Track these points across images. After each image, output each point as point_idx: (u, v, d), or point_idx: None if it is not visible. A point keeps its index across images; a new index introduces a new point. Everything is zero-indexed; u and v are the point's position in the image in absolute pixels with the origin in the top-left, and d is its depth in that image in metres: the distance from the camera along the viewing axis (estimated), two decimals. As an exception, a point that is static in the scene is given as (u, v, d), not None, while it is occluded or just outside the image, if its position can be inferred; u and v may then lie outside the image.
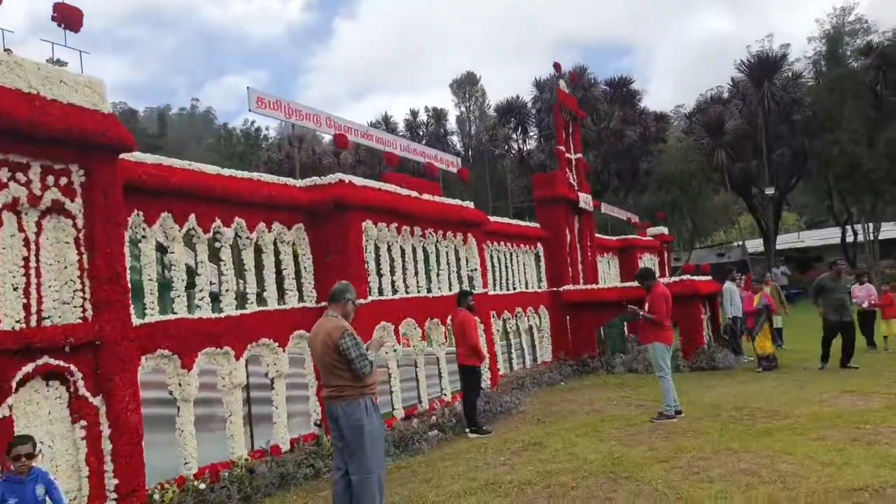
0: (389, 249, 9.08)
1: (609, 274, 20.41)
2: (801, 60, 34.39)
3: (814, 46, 35.79)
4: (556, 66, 16.05)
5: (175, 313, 6.57)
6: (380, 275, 8.73)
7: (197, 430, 6.78)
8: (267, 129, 57.41)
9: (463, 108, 43.19)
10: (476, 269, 11.16)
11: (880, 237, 32.24)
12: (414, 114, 38.80)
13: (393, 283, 9.06)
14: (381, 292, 8.67)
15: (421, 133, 39.20)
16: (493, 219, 12.94)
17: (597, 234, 20.89)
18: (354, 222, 8.19)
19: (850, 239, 37.32)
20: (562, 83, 16.17)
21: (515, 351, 13.60)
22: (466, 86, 43.45)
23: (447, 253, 10.55)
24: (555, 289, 15.19)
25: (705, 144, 32.78)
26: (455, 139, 40.92)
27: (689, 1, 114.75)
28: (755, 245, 42.15)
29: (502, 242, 13.48)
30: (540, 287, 15.06)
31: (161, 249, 7.54)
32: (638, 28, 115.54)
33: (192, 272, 7.29)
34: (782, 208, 40.57)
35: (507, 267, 13.82)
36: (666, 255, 26.99)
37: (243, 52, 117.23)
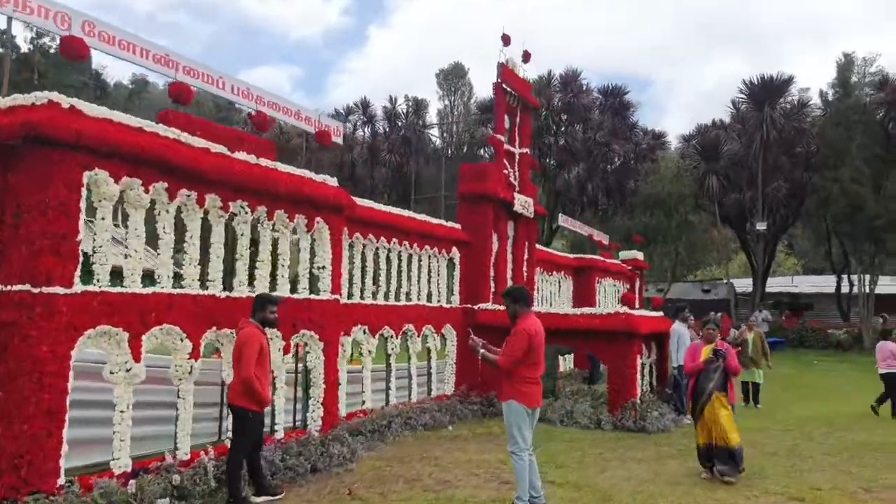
0: (154, 219, 6.25)
1: (558, 296, 17.58)
2: (814, 101, 31.48)
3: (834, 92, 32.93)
4: (505, 38, 13.21)
5: None
6: (125, 255, 5.90)
7: None
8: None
9: (447, 102, 40.16)
10: (324, 267, 8.31)
11: (878, 291, 29.33)
12: (393, 101, 35.78)
13: (153, 271, 6.23)
14: (118, 281, 5.83)
15: (400, 124, 36.30)
16: (376, 206, 10.11)
17: (550, 250, 18.14)
18: (65, 168, 5.36)
19: (845, 289, 34.47)
20: (508, 59, 13.32)
21: (398, 379, 10.74)
22: (453, 78, 40.28)
23: (277, 239, 7.73)
24: (469, 306, 12.36)
25: (697, 168, 29.88)
26: (436, 133, 37.87)
27: (711, 44, 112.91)
28: (745, 285, 39.29)
29: (396, 239, 10.64)
30: (450, 302, 12.23)
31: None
32: (659, 65, 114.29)
33: None
34: (776, 247, 37.65)
35: (401, 271, 10.99)
36: (639, 282, 24.17)
37: (280, 48, 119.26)
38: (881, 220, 26.29)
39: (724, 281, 38.30)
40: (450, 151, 35.00)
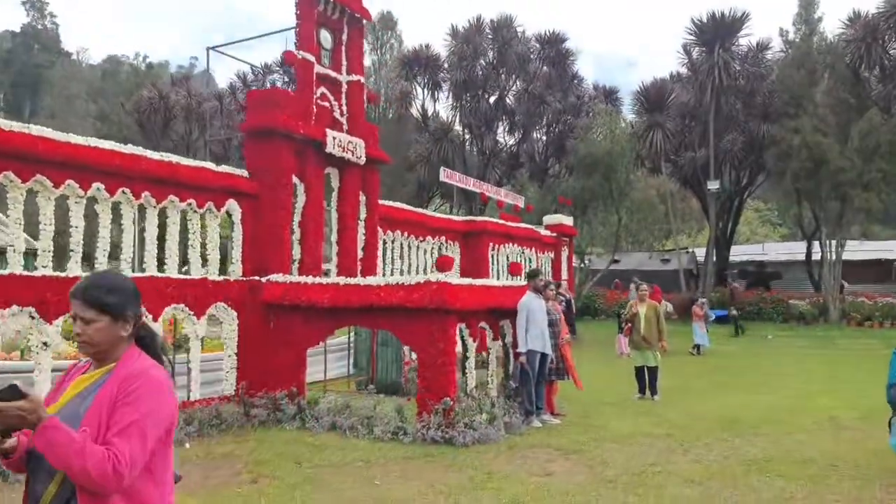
0: None
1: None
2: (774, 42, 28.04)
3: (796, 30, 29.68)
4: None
5: None
6: None
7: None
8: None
9: (375, 58, 36.28)
10: None
11: (846, 257, 26.29)
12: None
13: None
14: None
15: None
16: (56, 136, 6.92)
17: (434, 213, 15.08)
18: None
19: (817, 256, 31.47)
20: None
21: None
22: (381, 31, 36.40)
23: None
24: (257, 278, 9.29)
25: (639, 123, 26.59)
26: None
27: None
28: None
29: (102, 185, 7.53)
30: (229, 273, 9.18)
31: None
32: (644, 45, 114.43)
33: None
34: (741, 210, 34.56)
35: (122, 231, 7.92)
36: (566, 251, 21.17)
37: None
38: (848, 174, 23.19)
39: (687, 250, 35.30)
40: (378, 111, 31.55)
